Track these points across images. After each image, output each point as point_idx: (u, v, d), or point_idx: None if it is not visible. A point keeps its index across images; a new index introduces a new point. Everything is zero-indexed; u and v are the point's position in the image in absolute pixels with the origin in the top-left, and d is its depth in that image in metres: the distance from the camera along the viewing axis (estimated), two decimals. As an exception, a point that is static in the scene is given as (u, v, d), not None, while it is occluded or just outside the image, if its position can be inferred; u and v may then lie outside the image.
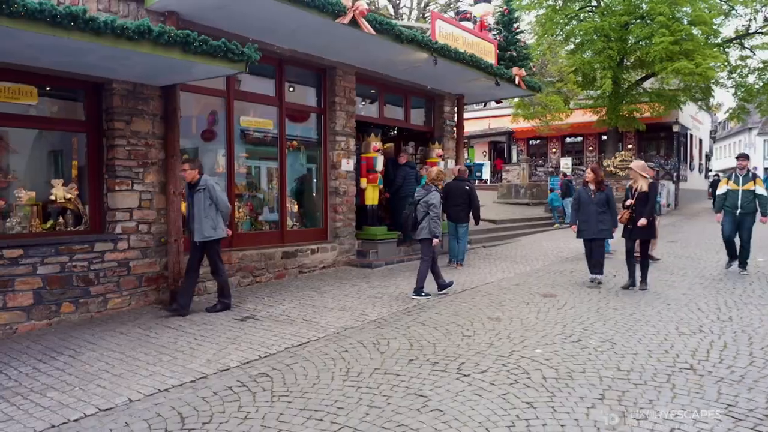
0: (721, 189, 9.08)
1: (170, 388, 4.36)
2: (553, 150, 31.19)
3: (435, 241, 7.50)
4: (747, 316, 6.22)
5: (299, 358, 5.03)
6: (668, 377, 4.37)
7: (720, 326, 5.82)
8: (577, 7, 24.26)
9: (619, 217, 8.03)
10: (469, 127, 31.92)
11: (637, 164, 8.11)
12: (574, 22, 23.79)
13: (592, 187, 8.28)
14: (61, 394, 4.26)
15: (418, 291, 7.46)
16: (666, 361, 4.76)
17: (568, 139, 30.83)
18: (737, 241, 8.93)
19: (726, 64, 24.70)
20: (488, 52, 11.22)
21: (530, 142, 32.12)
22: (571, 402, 3.90)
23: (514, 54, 13.06)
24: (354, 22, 7.59)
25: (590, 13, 24.08)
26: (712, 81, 22.39)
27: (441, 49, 9.40)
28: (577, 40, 23.57)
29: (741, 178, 8.81)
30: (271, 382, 4.45)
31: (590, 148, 30.09)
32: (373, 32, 7.82)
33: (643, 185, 7.80)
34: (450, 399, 4.00)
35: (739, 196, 8.70)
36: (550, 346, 5.22)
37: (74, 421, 3.80)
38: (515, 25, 13.44)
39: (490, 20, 12.77)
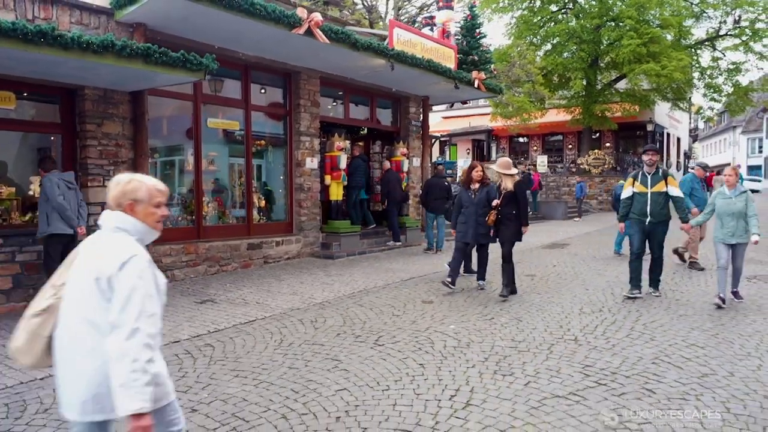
0: (626, 192, 7.21)
1: (125, 355, 5.09)
2: (534, 148, 32.03)
3: None
4: (650, 299, 6.98)
5: (243, 332, 5.78)
6: (550, 346, 5.13)
7: (620, 307, 6.59)
8: (554, 9, 25.08)
9: (486, 219, 7.39)
10: (451, 126, 32.78)
11: (500, 162, 7.49)
12: (551, 24, 24.62)
13: (473, 186, 7.59)
14: (31, 360, 4.98)
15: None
16: (557, 334, 5.53)
17: (550, 138, 31.69)
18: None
19: (697, 65, 25.59)
20: (448, 57, 11.95)
21: (513, 140, 32.95)
22: (456, 364, 4.66)
23: (476, 58, 13.82)
24: (309, 32, 8.31)
25: (565, 15, 24.90)
26: (682, 82, 23.18)
27: (397, 55, 10.13)
28: (555, 41, 24.41)
29: (649, 178, 6.99)
30: (212, 350, 5.19)
31: (570, 146, 30.91)
32: (327, 41, 8.54)
33: (508, 184, 7.29)
34: (358, 362, 4.75)
35: (648, 201, 6.94)
36: (464, 323, 5.98)
37: (40, 379, 4.53)
38: (477, 31, 14.20)
39: (452, 26, 13.48)
